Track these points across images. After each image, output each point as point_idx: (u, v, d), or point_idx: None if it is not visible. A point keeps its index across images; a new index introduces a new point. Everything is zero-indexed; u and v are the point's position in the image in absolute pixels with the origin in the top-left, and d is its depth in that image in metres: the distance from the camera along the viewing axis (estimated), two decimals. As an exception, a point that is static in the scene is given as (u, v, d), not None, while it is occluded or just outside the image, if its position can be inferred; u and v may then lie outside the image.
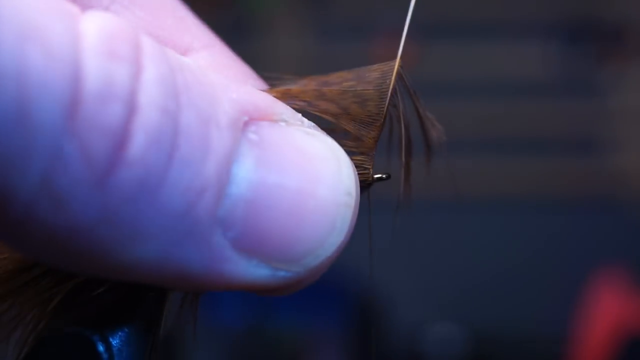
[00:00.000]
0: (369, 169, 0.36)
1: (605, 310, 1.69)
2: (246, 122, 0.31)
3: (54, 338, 0.33)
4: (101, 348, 0.32)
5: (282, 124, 0.32)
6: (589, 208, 1.97)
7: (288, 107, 0.33)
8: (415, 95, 0.38)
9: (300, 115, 0.34)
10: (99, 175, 0.27)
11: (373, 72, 0.38)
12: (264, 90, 0.37)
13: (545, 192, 2.00)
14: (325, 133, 0.34)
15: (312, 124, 0.34)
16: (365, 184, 0.37)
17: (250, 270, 0.31)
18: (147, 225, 0.28)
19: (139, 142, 0.28)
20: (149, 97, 0.28)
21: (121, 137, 0.28)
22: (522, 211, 1.96)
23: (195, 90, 0.30)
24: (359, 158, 0.36)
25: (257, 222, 0.31)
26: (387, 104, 0.37)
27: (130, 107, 0.28)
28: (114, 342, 0.33)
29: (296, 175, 0.31)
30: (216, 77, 0.31)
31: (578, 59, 1.99)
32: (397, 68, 0.38)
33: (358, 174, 0.36)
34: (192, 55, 0.39)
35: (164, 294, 0.35)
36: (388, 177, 0.37)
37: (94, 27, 0.28)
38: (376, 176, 0.37)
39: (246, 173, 0.30)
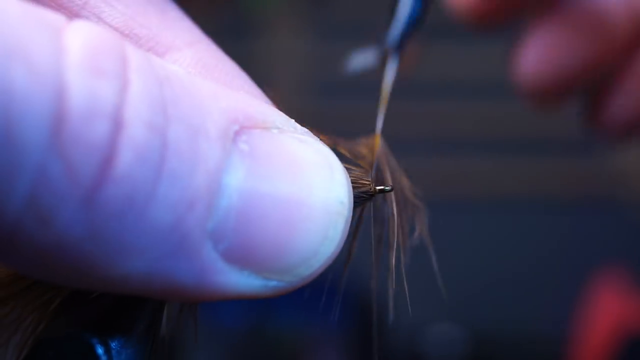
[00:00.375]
0: (370, 181, 0.36)
1: (605, 310, 1.69)
2: (237, 131, 0.30)
3: (52, 340, 0.33)
4: (100, 351, 0.32)
5: (275, 130, 0.32)
6: (589, 208, 1.97)
7: (280, 112, 0.33)
8: (396, 173, 0.38)
9: (293, 121, 0.33)
10: (85, 193, 0.27)
11: (358, 141, 0.38)
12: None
13: (545, 192, 2.00)
14: (318, 139, 0.34)
15: (306, 129, 0.34)
16: (367, 196, 0.36)
17: (241, 282, 0.31)
18: (135, 241, 0.28)
19: (125, 159, 0.28)
20: (135, 112, 0.28)
21: (107, 154, 0.27)
22: (522, 211, 1.96)
23: (183, 101, 0.29)
24: (358, 173, 0.36)
25: (248, 233, 0.30)
26: (374, 172, 0.37)
27: (116, 124, 0.27)
28: (113, 344, 0.33)
29: (288, 184, 0.31)
30: (205, 84, 0.31)
31: (578, 59, 1.99)
32: (377, 145, 0.38)
33: (360, 186, 0.36)
34: (177, 53, 0.38)
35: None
36: (391, 189, 0.37)
37: (78, 41, 0.28)
38: (378, 188, 0.37)
39: (237, 184, 0.30)
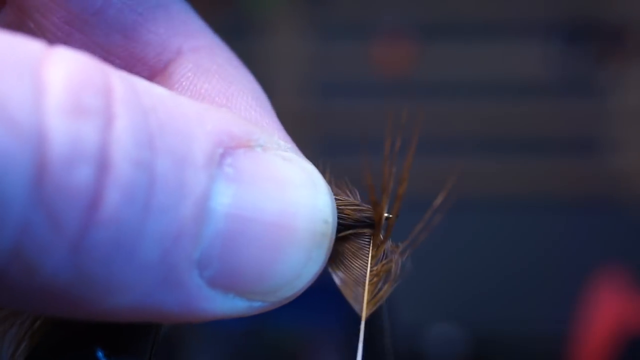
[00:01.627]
0: (371, 207, 0.36)
1: (605, 310, 1.69)
2: (222, 154, 0.30)
3: (52, 344, 0.33)
4: (100, 354, 0.32)
5: (258, 149, 0.31)
6: (589, 208, 1.97)
7: (264, 128, 0.32)
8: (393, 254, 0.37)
9: (276, 137, 0.33)
10: (71, 241, 0.26)
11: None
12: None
13: (545, 192, 2.00)
14: (302, 156, 0.33)
15: (290, 146, 0.33)
16: (369, 221, 0.36)
17: (226, 305, 0.31)
18: (123, 280, 0.28)
19: (113, 201, 0.27)
20: (122, 150, 0.27)
21: (93, 199, 0.26)
22: (522, 211, 1.96)
23: (170, 130, 0.28)
24: (356, 201, 0.36)
25: (233, 259, 0.30)
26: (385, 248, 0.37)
27: (102, 165, 0.26)
28: (114, 348, 0.33)
29: (273, 207, 0.30)
30: (190, 106, 0.30)
31: (578, 59, 1.99)
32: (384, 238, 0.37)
33: (362, 210, 0.35)
34: (181, 59, 0.38)
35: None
36: (396, 216, 0.37)
37: (59, 75, 0.26)
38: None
39: (223, 210, 0.29)
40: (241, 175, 0.30)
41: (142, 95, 0.28)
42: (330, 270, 0.36)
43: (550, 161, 2.01)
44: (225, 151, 0.30)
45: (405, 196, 0.37)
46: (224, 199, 0.29)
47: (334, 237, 0.33)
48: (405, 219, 0.38)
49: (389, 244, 0.37)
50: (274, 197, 0.31)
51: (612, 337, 1.65)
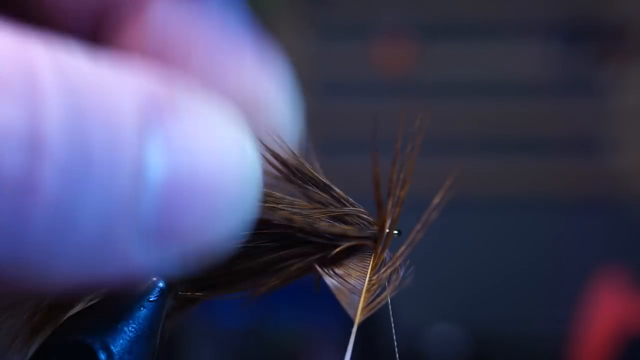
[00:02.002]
0: (375, 221, 0.36)
1: (605, 310, 1.69)
2: (151, 118, 0.29)
3: (55, 346, 0.33)
4: (102, 356, 0.32)
5: (184, 109, 0.31)
6: (589, 208, 1.97)
7: (187, 89, 0.32)
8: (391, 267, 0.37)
9: (199, 95, 0.32)
10: (6, 227, 0.26)
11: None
12: None
13: (545, 192, 2.00)
14: (225, 113, 0.33)
15: (213, 104, 0.33)
16: (372, 237, 0.36)
17: (164, 264, 0.31)
18: (62, 258, 0.27)
19: (51, 183, 0.26)
20: (54, 131, 0.26)
21: (30, 184, 0.25)
22: (522, 211, 1.96)
23: (98, 104, 0.28)
24: (363, 212, 0.36)
25: (171, 220, 0.30)
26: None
27: (35, 149, 0.25)
28: (115, 349, 0.33)
29: (203, 165, 0.30)
30: (114, 75, 0.29)
31: (578, 59, 1.99)
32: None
33: (366, 224, 0.36)
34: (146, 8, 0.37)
35: (163, 299, 0.35)
36: (399, 233, 0.37)
37: None
38: (386, 231, 0.36)
39: (157, 174, 0.29)
40: (170, 135, 0.30)
41: (68, 69, 0.27)
42: (327, 278, 0.36)
43: (550, 161, 2.01)
44: (153, 113, 0.30)
45: (405, 197, 0.37)
46: (158, 162, 0.29)
47: (260, 190, 0.32)
48: (404, 219, 0.38)
49: (388, 254, 0.37)
50: (204, 154, 0.31)
51: (612, 337, 1.65)
